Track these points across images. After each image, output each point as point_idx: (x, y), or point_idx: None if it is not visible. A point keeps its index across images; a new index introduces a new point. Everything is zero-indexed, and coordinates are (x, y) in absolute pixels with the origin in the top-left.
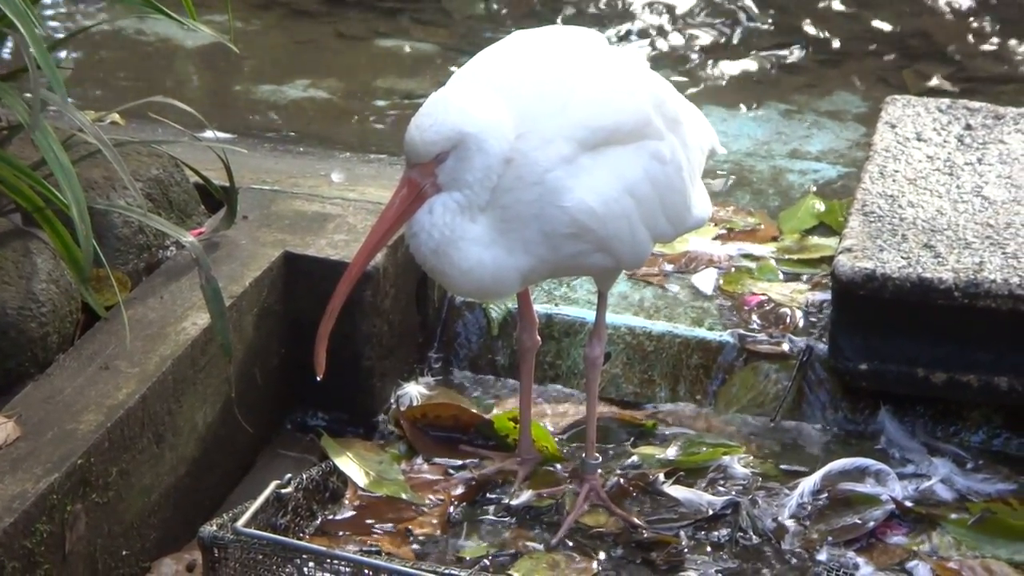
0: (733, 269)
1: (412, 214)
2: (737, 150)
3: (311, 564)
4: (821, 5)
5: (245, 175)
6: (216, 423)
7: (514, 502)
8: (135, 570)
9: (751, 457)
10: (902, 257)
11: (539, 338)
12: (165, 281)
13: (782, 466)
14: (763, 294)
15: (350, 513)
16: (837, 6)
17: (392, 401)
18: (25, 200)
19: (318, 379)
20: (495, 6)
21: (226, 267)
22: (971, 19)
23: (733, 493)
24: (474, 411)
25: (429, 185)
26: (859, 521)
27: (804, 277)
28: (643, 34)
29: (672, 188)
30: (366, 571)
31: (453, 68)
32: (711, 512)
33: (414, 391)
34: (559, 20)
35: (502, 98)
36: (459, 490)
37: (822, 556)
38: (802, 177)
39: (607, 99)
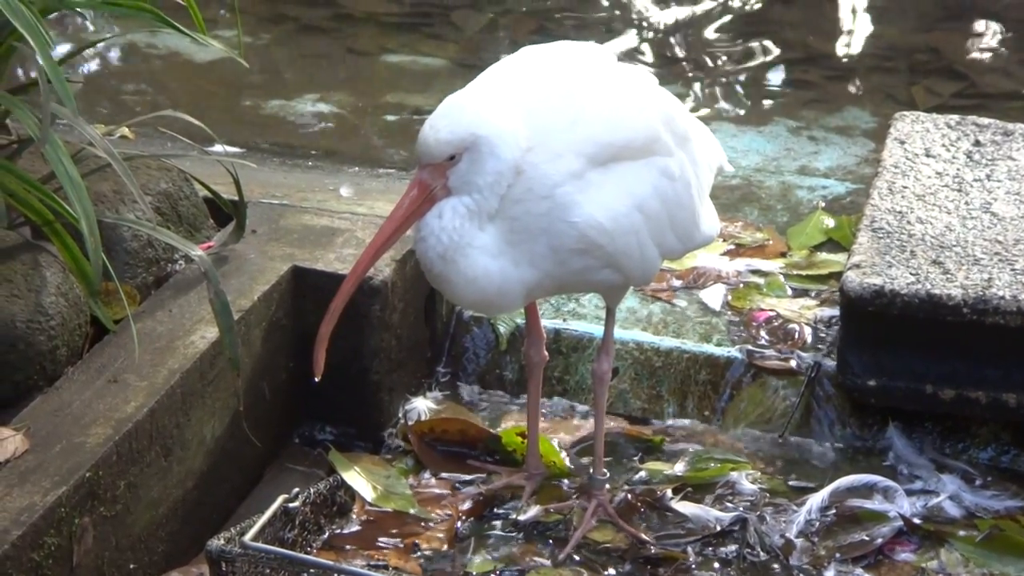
0: (741, 285)
1: (421, 215)
2: (746, 166)
3: None
4: (830, 20)
5: (254, 189)
6: (224, 437)
7: (521, 517)
8: None
9: (759, 473)
10: (911, 273)
11: (547, 353)
12: (174, 295)
13: (790, 482)
14: (771, 310)
15: (357, 527)
16: (847, 22)
17: (400, 415)
18: (35, 213)
19: (316, 380)
20: (503, 23)
21: (235, 281)
22: (980, 35)
23: (741, 509)
24: (482, 426)
25: (440, 187)
26: (867, 538)
27: (812, 293)
28: (651, 50)
29: (681, 204)
30: None
31: (462, 83)
32: (719, 528)
33: (422, 406)
34: (568, 36)
35: (513, 109)
36: (466, 505)
37: (830, 573)
38: (811, 193)
39: (617, 115)
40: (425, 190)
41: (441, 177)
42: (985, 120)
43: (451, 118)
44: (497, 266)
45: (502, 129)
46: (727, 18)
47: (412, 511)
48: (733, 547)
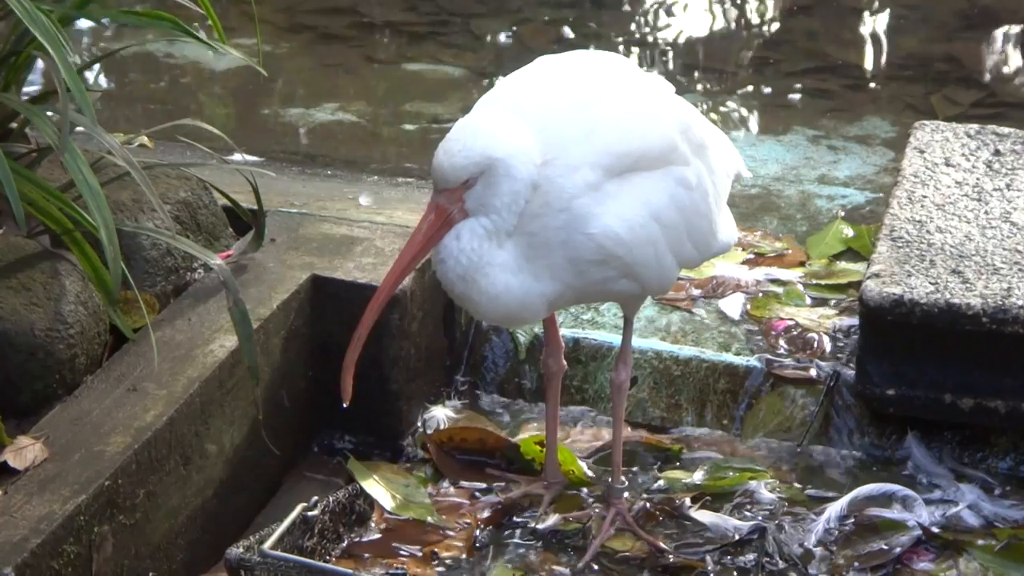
0: (760, 294)
1: (440, 240)
2: (765, 175)
3: None
4: (850, 30)
5: (273, 198)
6: (243, 445)
7: (540, 526)
8: None
9: (777, 482)
10: (930, 283)
11: (565, 362)
12: (193, 303)
13: (808, 491)
14: (790, 319)
15: (376, 536)
16: (866, 31)
17: (419, 424)
18: (54, 222)
19: (344, 406)
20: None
21: (254, 290)
22: (1000, 44)
23: (759, 518)
24: (500, 435)
25: (457, 211)
26: (886, 547)
27: (832, 302)
28: (670, 59)
29: (698, 213)
30: None
31: (481, 92)
32: (737, 537)
33: (441, 414)
34: (586, 45)
35: (528, 123)
36: (485, 513)
37: None
38: (830, 202)
39: (633, 125)
40: (443, 214)
41: (458, 200)
42: (1005, 129)
43: (464, 143)
44: (518, 281)
45: (516, 149)
46: (746, 27)
47: (431, 520)
48: (752, 556)
